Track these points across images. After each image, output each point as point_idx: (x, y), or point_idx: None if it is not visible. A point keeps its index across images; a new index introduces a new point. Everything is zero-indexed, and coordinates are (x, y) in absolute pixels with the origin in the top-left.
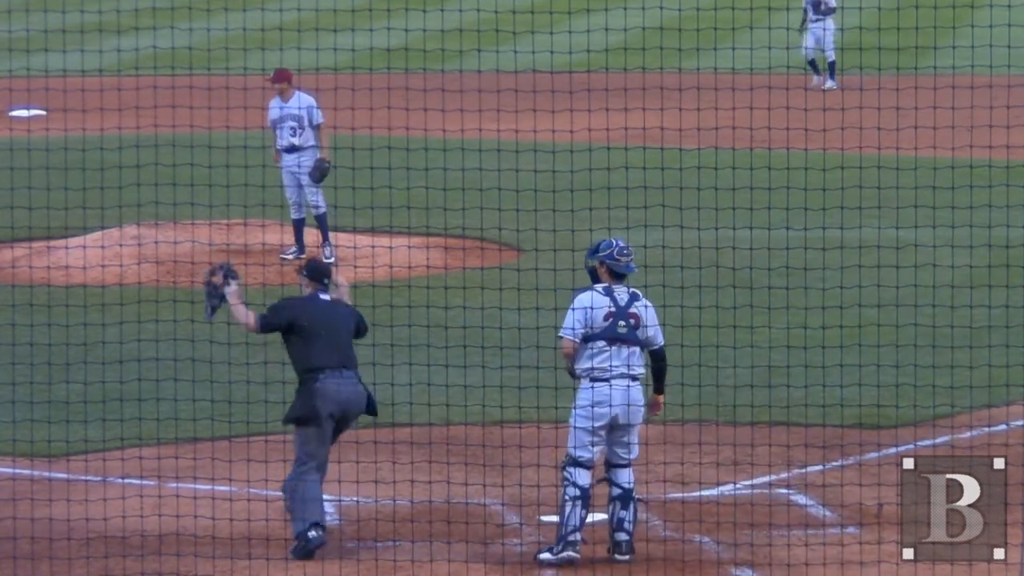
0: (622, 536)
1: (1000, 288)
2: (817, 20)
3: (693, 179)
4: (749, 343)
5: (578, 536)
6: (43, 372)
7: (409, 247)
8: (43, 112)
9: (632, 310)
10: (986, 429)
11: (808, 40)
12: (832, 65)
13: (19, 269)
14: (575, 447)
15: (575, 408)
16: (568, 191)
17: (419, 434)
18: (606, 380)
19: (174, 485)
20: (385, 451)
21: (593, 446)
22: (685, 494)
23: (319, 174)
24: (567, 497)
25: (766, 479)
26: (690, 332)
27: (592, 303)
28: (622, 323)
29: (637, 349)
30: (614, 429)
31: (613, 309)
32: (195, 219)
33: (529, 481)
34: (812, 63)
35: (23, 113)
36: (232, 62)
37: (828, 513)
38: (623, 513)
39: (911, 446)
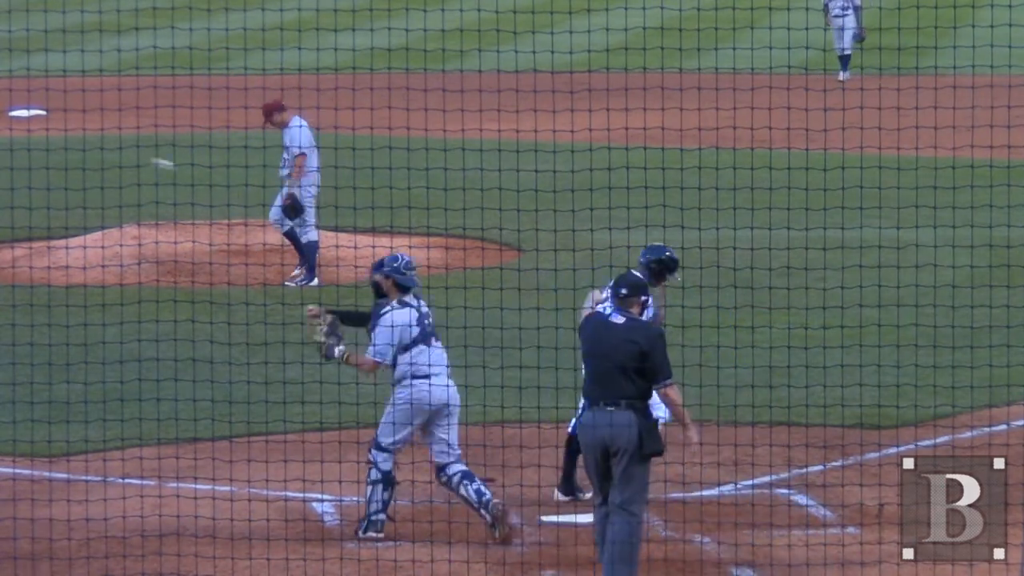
0: (487, 496)
1: (1001, 288)
2: (842, 16)
3: (693, 179)
4: (749, 343)
5: (382, 517)
6: (43, 372)
7: (410, 247)
8: (43, 112)
9: (424, 309)
10: (986, 429)
11: (836, 40)
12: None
13: (19, 269)
14: (388, 439)
15: (395, 405)
16: (568, 191)
17: (419, 434)
18: (426, 376)
19: (174, 485)
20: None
21: (408, 434)
22: (685, 494)
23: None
24: (369, 479)
25: (766, 479)
26: (690, 332)
27: (408, 319)
28: (428, 321)
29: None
30: (436, 419)
31: (416, 314)
32: (195, 219)
33: (529, 481)
34: (846, 59)
35: (23, 113)
36: (232, 62)
37: (828, 513)
38: (476, 484)
39: (912, 446)
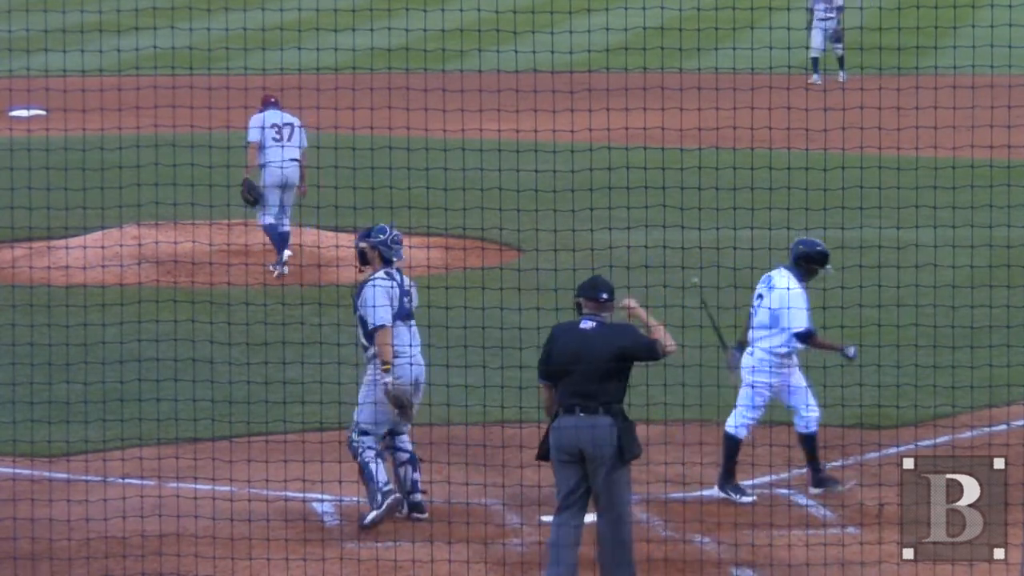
0: (418, 497)
1: (1001, 288)
2: (828, 18)
3: (693, 179)
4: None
5: (391, 485)
6: (43, 372)
7: (410, 247)
8: (43, 112)
9: (407, 287)
10: (986, 429)
11: (815, 39)
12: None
13: (19, 269)
14: (371, 422)
15: (375, 383)
16: (568, 191)
17: (419, 434)
18: (406, 357)
19: (174, 485)
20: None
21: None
22: (685, 494)
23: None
24: (366, 458)
25: (766, 479)
26: (690, 332)
27: (388, 288)
28: (407, 300)
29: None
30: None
31: (398, 290)
32: (195, 219)
33: (529, 481)
34: (816, 61)
35: (23, 113)
36: (232, 62)
37: (828, 513)
38: (415, 476)
39: (911, 446)
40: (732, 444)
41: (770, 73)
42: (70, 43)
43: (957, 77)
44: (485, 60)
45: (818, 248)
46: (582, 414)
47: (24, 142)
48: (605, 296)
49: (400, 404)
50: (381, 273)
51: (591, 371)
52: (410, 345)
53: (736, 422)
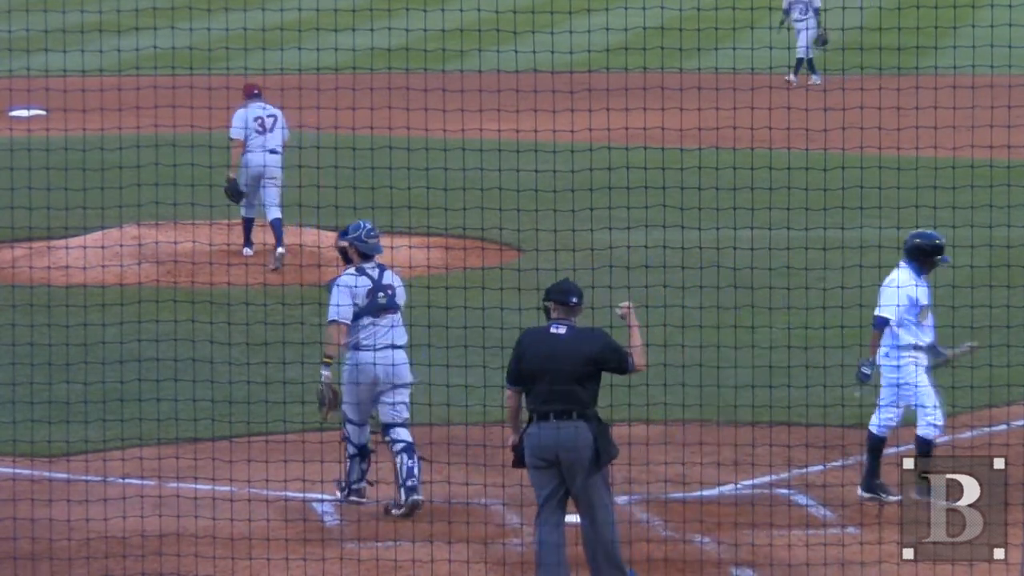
0: (413, 482)
1: (1001, 288)
2: (802, 19)
3: (693, 179)
4: (749, 343)
5: (363, 484)
6: (43, 372)
7: (410, 247)
8: (43, 112)
9: (385, 282)
10: (986, 429)
11: (801, 39)
12: (811, 61)
13: (19, 269)
14: (349, 411)
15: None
16: (568, 191)
17: (419, 434)
18: (371, 351)
19: (174, 485)
20: (385, 451)
21: (360, 406)
22: (685, 494)
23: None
24: (346, 455)
25: (766, 479)
26: (690, 332)
27: (355, 283)
28: (381, 295)
29: (397, 315)
30: (383, 389)
31: (368, 285)
32: (195, 219)
33: (529, 481)
34: (811, 62)
35: (23, 113)
36: (232, 62)
37: (828, 513)
38: (410, 463)
39: (912, 446)
40: (873, 441)
41: (770, 73)
42: (70, 43)
43: (957, 77)
44: (485, 60)
45: (935, 240)
46: (556, 420)
47: (24, 142)
48: (575, 300)
49: (322, 400)
50: (351, 269)
51: (564, 376)
52: (371, 339)
53: (876, 421)
